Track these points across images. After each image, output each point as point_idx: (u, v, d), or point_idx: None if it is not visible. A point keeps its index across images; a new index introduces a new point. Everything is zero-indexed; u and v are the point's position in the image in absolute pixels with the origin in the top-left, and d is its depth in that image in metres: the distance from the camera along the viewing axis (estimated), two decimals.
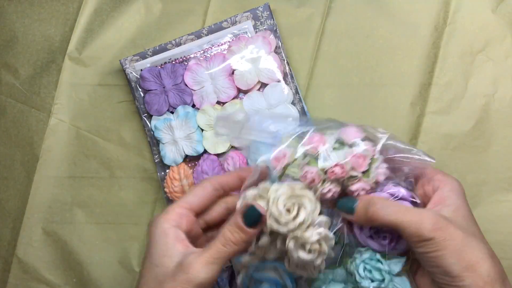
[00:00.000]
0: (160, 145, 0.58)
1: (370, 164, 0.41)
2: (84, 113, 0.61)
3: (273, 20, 0.57)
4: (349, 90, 0.58)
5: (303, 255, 0.39)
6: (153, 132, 0.58)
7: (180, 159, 0.58)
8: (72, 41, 0.61)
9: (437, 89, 0.56)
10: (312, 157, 0.41)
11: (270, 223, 0.38)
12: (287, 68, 0.57)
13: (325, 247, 0.39)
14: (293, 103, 0.57)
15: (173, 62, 0.59)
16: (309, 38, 0.59)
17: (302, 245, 0.38)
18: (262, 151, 0.43)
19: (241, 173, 0.43)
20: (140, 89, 0.59)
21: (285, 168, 0.42)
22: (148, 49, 0.59)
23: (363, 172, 0.40)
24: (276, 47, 0.57)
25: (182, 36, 0.58)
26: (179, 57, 0.59)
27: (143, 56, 0.59)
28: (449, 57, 0.56)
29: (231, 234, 0.38)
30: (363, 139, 0.42)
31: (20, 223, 0.61)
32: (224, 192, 0.43)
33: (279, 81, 0.57)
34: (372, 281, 0.41)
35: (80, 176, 0.61)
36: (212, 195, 0.42)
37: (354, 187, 0.40)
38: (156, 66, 0.59)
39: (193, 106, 0.58)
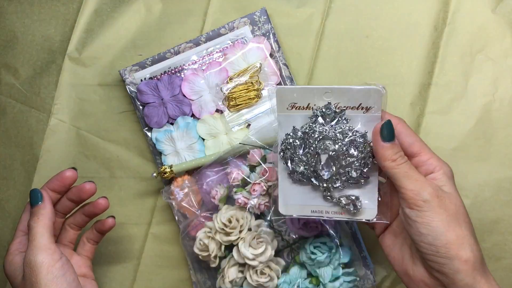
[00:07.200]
0: (163, 156, 0.58)
1: None
2: (84, 113, 0.61)
3: (270, 24, 0.57)
4: None
5: (252, 250, 0.51)
6: (155, 144, 0.58)
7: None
8: (72, 41, 0.61)
9: (437, 89, 0.56)
10: (237, 187, 0.53)
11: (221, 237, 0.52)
12: (285, 71, 0.57)
13: (267, 238, 0.51)
14: None
15: (173, 71, 0.58)
16: (309, 39, 0.59)
17: (249, 245, 0.51)
18: None
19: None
20: (138, 103, 0.59)
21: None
22: (147, 59, 0.58)
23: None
24: (271, 51, 0.57)
25: (180, 44, 0.58)
26: (178, 65, 0.58)
27: (142, 66, 0.58)
28: (449, 57, 0.56)
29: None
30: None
31: None
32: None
33: (276, 85, 0.57)
34: (322, 253, 0.51)
35: (80, 176, 0.60)
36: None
37: (275, 192, 0.49)
38: (155, 77, 0.58)
39: (192, 116, 0.58)
